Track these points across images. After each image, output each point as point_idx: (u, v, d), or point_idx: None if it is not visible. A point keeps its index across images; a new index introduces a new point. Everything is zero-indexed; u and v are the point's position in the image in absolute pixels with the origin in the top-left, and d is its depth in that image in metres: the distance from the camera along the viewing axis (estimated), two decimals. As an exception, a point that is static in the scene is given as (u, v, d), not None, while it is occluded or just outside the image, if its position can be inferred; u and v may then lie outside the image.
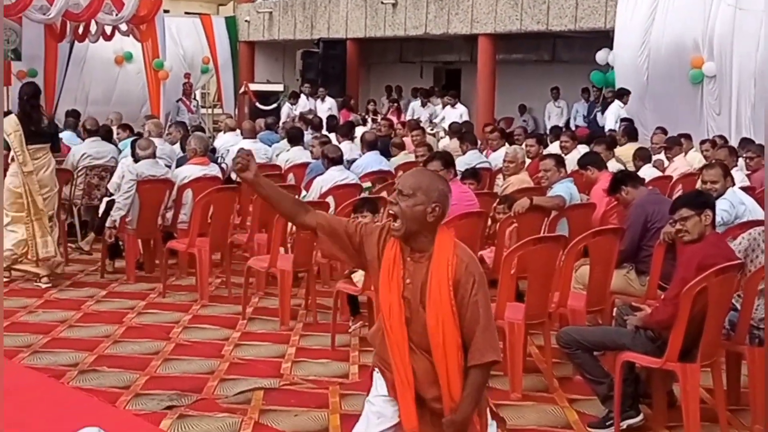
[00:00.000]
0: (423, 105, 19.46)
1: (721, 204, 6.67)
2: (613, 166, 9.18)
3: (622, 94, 14.79)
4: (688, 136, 11.53)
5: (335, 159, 8.80)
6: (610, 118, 14.56)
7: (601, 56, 16.56)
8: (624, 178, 6.94)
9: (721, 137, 11.40)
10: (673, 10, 14.68)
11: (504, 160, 9.13)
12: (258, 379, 6.04)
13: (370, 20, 21.89)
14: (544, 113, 20.18)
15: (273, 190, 3.74)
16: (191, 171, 9.07)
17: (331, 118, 15.99)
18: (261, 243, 8.45)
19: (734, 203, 6.85)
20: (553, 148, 11.83)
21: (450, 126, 14.08)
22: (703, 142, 11.11)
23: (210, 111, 24.44)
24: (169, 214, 8.99)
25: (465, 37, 20.80)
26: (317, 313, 7.54)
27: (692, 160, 10.72)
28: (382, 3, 21.40)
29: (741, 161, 9.64)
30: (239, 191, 8.77)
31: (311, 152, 10.66)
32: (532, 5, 18.48)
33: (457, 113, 17.80)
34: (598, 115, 16.73)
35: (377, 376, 3.76)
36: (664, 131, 11.94)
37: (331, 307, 7.43)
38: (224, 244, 8.56)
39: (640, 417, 5.20)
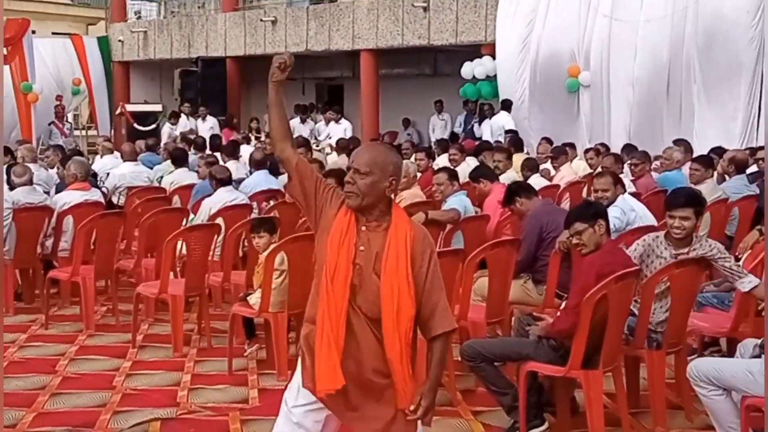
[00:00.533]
0: (302, 122, 19.34)
1: (612, 212, 6.77)
2: (509, 177, 9.25)
3: (509, 105, 14.97)
4: (572, 145, 11.78)
5: (223, 179, 8.59)
6: (495, 129, 14.73)
7: (465, 70, 16.82)
8: (518, 190, 6.96)
9: (604, 145, 11.65)
10: (550, 22, 15.03)
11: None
12: (154, 409, 5.78)
13: (250, 38, 21.69)
14: (428, 126, 20.33)
15: (281, 105, 3.76)
16: (72, 197, 8.70)
17: (214, 137, 15.70)
18: (149, 268, 8.17)
19: (625, 210, 6.97)
20: (441, 160, 11.89)
21: (337, 142, 14.00)
22: (587, 151, 11.34)
23: (84, 133, 23.74)
24: (49, 242, 8.61)
25: (347, 53, 20.82)
26: (211, 337, 7.32)
27: (577, 168, 10.93)
28: (262, 20, 21.26)
29: (626, 168, 9.87)
30: (124, 216, 8.47)
31: (197, 173, 10.39)
32: (413, 20, 18.63)
33: (342, 129, 17.81)
34: (475, 126, 16.94)
35: (297, 381, 3.66)
36: (549, 141, 12.17)
37: (226, 330, 7.25)
38: (110, 270, 8.23)
39: (546, 425, 5.21)
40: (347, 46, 19.88)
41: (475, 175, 8.30)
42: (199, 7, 25.34)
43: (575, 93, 14.89)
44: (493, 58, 16.34)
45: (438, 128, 19.58)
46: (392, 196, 3.61)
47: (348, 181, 3.55)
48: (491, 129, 15.74)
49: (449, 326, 3.57)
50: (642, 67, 13.75)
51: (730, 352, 6.25)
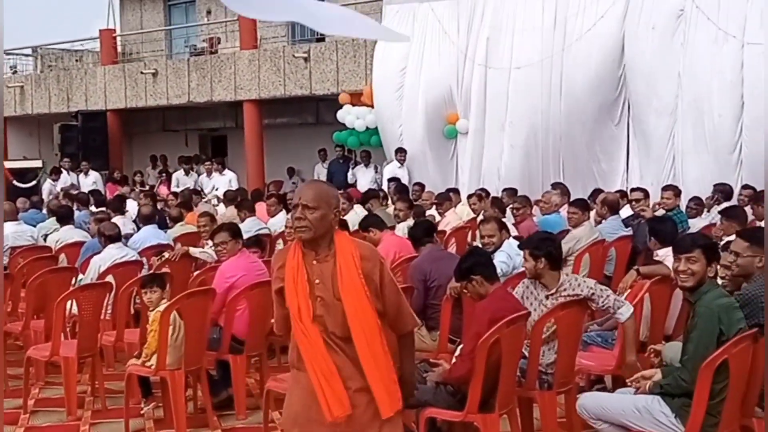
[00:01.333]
0: (186, 173, 19.22)
1: (498, 256, 7.04)
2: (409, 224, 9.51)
3: (398, 152, 15.26)
4: (456, 191, 12.06)
5: (112, 236, 8.51)
6: (387, 175, 14.90)
7: (339, 115, 17.11)
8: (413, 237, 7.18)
9: (484, 190, 12.00)
10: (426, 72, 15.40)
11: (286, 226, 9.17)
12: (51, 476, 5.69)
13: (130, 90, 21.51)
14: (313, 174, 20.44)
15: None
16: (-46, 259, 8.48)
17: (96, 192, 15.46)
18: (38, 330, 8.00)
19: (511, 254, 7.23)
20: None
21: (225, 194, 13.99)
22: (470, 196, 11.64)
23: (-39, 192, 22.96)
24: (-69, 308, 8.34)
25: (229, 104, 20.87)
26: (106, 398, 7.22)
27: (461, 213, 11.21)
28: (142, 73, 21.13)
29: (508, 212, 10.20)
30: (10, 278, 8.30)
31: (87, 230, 10.24)
32: (294, 71, 18.85)
33: (226, 180, 17.74)
34: (349, 174, 17.18)
35: None
36: (422, 185, 12.62)
37: (120, 390, 7.18)
38: (-3, 334, 8.03)
39: (447, 470, 5.34)
40: (230, 97, 19.94)
41: (366, 224, 8.47)
42: (76, 60, 25.01)
43: (452, 139, 15.30)
44: (371, 107, 16.62)
45: (323, 176, 19.70)
46: (333, 224, 3.92)
47: (299, 217, 3.84)
48: (375, 177, 16.07)
49: (413, 324, 4.07)
50: (514, 113, 14.28)
51: (614, 390, 6.54)
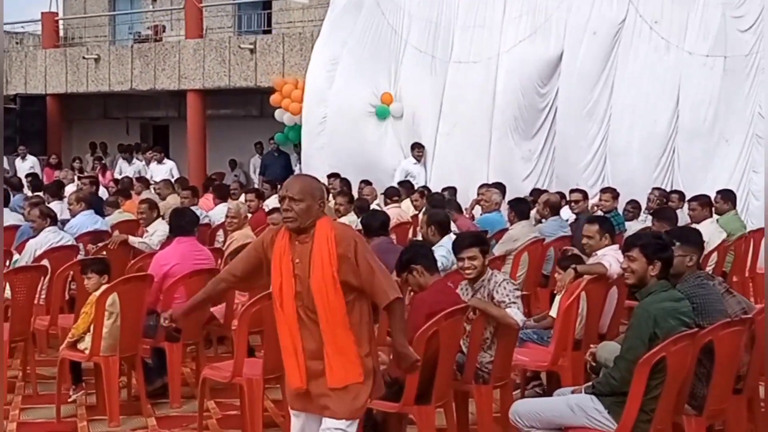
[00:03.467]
0: (128, 162, 19.02)
1: (439, 251, 7.06)
2: (350, 219, 9.52)
3: (414, 147, 14.52)
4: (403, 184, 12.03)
5: (52, 217, 8.39)
6: (399, 173, 14.27)
7: (277, 114, 17.06)
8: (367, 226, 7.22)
9: (426, 188, 12.03)
10: (363, 55, 15.39)
11: (227, 216, 9.11)
12: (-22, 460, 5.59)
13: (72, 75, 21.16)
14: (249, 167, 20.32)
15: (196, 304, 4.79)
16: None
17: (34, 177, 15.18)
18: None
19: (451, 250, 7.25)
20: (271, 201, 11.97)
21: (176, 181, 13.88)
22: (411, 193, 11.67)
23: None
24: None
25: (172, 93, 20.65)
26: (37, 383, 7.10)
27: (407, 209, 11.24)
28: (84, 58, 20.81)
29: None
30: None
31: (22, 215, 10.04)
32: (240, 62, 18.72)
33: (166, 168, 17.63)
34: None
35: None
36: (369, 182, 12.55)
37: (50, 376, 7.09)
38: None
39: (381, 462, 5.35)
40: (173, 86, 19.72)
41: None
42: (16, 43, 24.52)
43: (384, 121, 15.26)
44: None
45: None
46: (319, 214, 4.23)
47: (286, 208, 4.18)
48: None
49: (393, 295, 4.18)
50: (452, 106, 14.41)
51: (549, 386, 6.62)
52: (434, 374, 5.17)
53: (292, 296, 4.18)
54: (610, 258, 6.61)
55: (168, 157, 18.91)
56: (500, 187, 11.17)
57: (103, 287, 6.44)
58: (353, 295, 4.17)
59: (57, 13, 23.32)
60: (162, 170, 17.46)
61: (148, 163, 18.39)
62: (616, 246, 6.77)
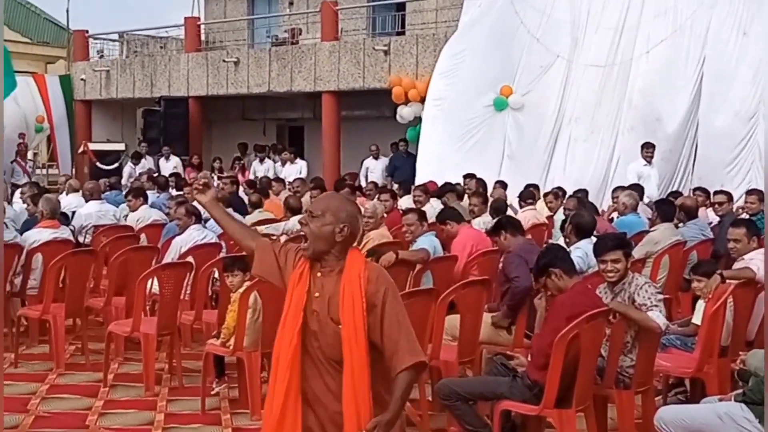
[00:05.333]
0: (261, 161, 19.48)
1: (575, 253, 6.98)
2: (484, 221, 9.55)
3: (643, 147, 13.33)
4: (536, 186, 11.94)
5: (196, 214, 8.68)
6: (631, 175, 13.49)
7: (402, 114, 17.26)
8: (505, 224, 7.17)
9: (561, 189, 11.89)
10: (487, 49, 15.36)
11: (364, 216, 9.20)
12: (129, 448, 5.82)
13: (212, 78, 21.79)
14: (360, 169, 20.36)
15: (224, 215, 4.09)
16: (41, 235, 8.71)
17: (177, 176, 15.74)
18: (118, 307, 8.18)
19: (588, 252, 7.14)
20: (404, 202, 12.06)
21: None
22: (546, 194, 11.53)
23: (44, 172, 23.58)
24: (18, 280, 8.59)
25: (308, 94, 21.01)
26: (182, 376, 7.35)
27: (541, 210, 11.13)
28: (224, 61, 21.38)
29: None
30: (95, 254, 8.50)
31: (167, 214, 10.43)
32: (374, 63, 18.89)
33: (298, 168, 18.08)
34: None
35: None
36: (504, 185, 12.50)
37: (195, 369, 7.32)
38: (80, 309, 8.24)
39: (519, 463, 5.32)
40: (309, 87, 20.07)
41: (443, 217, 8.47)
42: (161, 47, 25.41)
43: (501, 113, 15.14)
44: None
45: (373, 170, 19.00)
46: (342, 241, 3.65)
47: (301, 222, 3.79)
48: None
49: (413, 359, 3.58)
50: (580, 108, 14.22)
51: (693, 394, 6.45)
52: (574, 378, 5.11)
53: (295, 330, 3.63)
54: (758, 262, 6.39)
55: (302, 158, 19.26)
56: (637, 189, 10.88)
57: (246, 284, 6.62)
58: (374, 354, 3.63)
59: (199, 18, 24.09)
60: (294, 170, 17.87)
61: (283, 163, 18.78)
62: (763, 249, 6.54)
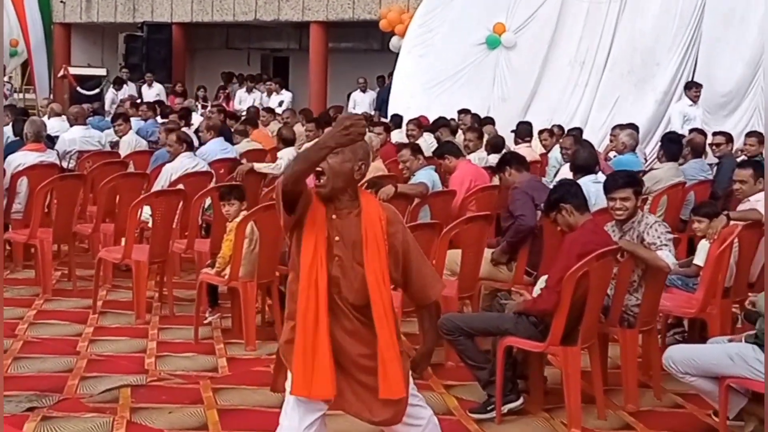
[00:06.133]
0: (248, 91, 19.21)
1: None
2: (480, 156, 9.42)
3: (689, 87, 12.79)
4: (530, 124, 11.76)
5: (189, 143, 8.49)
6: (677, 117, 12.92)
7: (393, 42, 16.93)
8: (510, 160, 7.01)
9: (559, 126, 11.70)
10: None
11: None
12: (122, 375, 5.71)
13: (197, 5, 21.35)
14: (347, 102, 20.05)
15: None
16: (26, 158, 8.49)
17: (162, 104, 15.44)
18: (107, 233, 8.02)
19: (588, 189, 6.96)
20: (395, 135, 11.88)
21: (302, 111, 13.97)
22: (541, 132, 11.37)
23: (21, 96, 23.08)
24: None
25: (293, 25, 20.64)
26: (173, 305, 7.24)
27: (536, 148, 10.99)
28: (210, -14, 20.94)
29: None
30: (83, 180, 8.30)
31: (155, 142, 10.21)
32: (364, -6, 18.58)
33: (282, 99, 17.83)
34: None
35: (290, 402, 3.56)
36: (492, 121, 12.24)
37: (186, 298, 7.23)
38: (68, 235, 8.07)
39: (521, 401, 5.25)
40: (297, 17, 19.73)
41: (441, 151, 8.31)
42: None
43: (494, 51, 14.74)
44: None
45: (360, 103, 18.62)
46: (358, 180, 3.53)
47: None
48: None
49: (443, 287, 3.85)
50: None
51: (691, 334, 6.40)
52: (581, 315, 5.02)
53: (325, 282, 3.43)
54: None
55: (287, 89, 18.99)
56: (634, 128, 10.70)
57: (242, 214, 6.47)
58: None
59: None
60: (279, 101, 17.62)
61: (269, 94, 18.52)
62: (772, 192, 6.43)
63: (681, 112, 12.29)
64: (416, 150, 8.24)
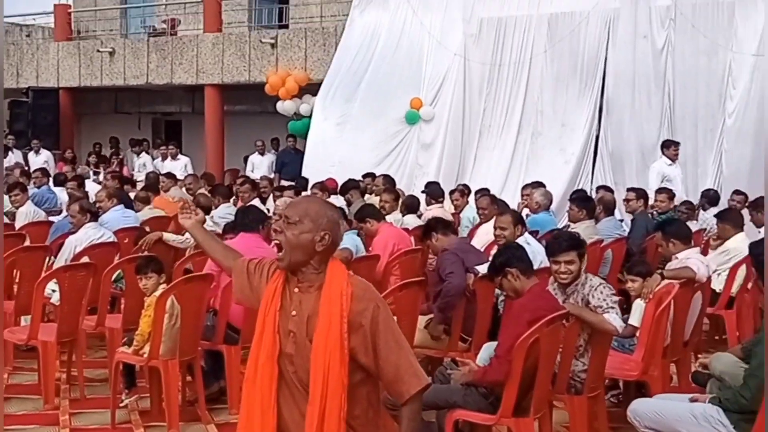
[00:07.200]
0: (138, 155, 18.83)
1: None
2: (395, 218, 9.24)
3: (667, 146, 12.22)
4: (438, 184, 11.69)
5: (94, 213, 8.05)
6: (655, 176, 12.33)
7: (278, 107, 17.41)
8: (436, 226, 6.89)
9: (466, 186, 11.66)
10: (392, 55, 15.10)
11: (274, 213, 8.76)
12: (36, 469, 5.23)
13: (85, 68, 20.75)
14: (245, 165, 19.76)
15: (206, 236, 3.90)
16: None
17: (58, 174, 14.76)
18: (8, 312, 7.46)
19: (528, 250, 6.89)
20: (304, 198, 11.62)
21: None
22: (452, 192, 11.30)
23: None
24: None
25: (186, 88, 20.27)
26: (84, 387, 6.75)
27: (449, 209, 10.89)
28: (99, 51, 20.40)
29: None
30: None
31: (54, 207, 9.69)
32: (260, 57, 18.36)
33: (181, 164, 17.39)
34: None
35: None
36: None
37: (95, 379, 6.78)
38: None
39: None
40: (191, 80, 19.34)
41: (363, 215, 8.10)
42: (26, 36, 24.11)
43: (413, 125, 14.86)
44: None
45: (259, 166, 18.43)
46: (322, 251, 3.25)
47: (275, 229, 3.28)
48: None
49: (420, 384, 3.26)
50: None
51: (626, 395, 6.28)
52: (531, 384, 4.83)
53: (273, 356, 3.21)
54: (695, 261, 6.29)
55: (182, 153, 18.55)
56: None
57: (162, 288, 6.08)
58: (359, 377, 3.23)
59: (69, 5, 22.93)
60: (177, 166, 17.12)
61: (164, 158, 18.04)
62: (698, 248, 6.45)
63: (660, 172, 11.82)
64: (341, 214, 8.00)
